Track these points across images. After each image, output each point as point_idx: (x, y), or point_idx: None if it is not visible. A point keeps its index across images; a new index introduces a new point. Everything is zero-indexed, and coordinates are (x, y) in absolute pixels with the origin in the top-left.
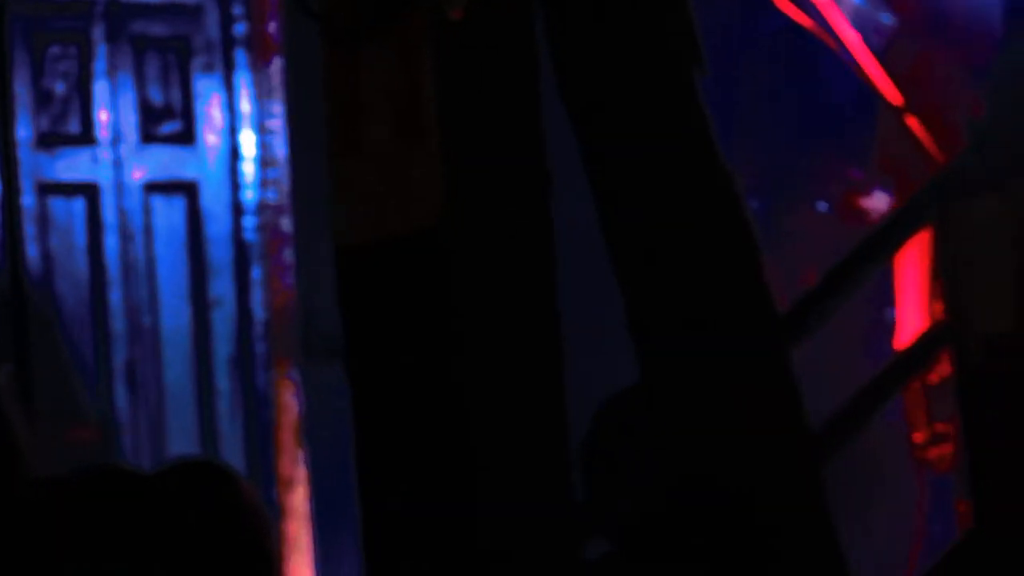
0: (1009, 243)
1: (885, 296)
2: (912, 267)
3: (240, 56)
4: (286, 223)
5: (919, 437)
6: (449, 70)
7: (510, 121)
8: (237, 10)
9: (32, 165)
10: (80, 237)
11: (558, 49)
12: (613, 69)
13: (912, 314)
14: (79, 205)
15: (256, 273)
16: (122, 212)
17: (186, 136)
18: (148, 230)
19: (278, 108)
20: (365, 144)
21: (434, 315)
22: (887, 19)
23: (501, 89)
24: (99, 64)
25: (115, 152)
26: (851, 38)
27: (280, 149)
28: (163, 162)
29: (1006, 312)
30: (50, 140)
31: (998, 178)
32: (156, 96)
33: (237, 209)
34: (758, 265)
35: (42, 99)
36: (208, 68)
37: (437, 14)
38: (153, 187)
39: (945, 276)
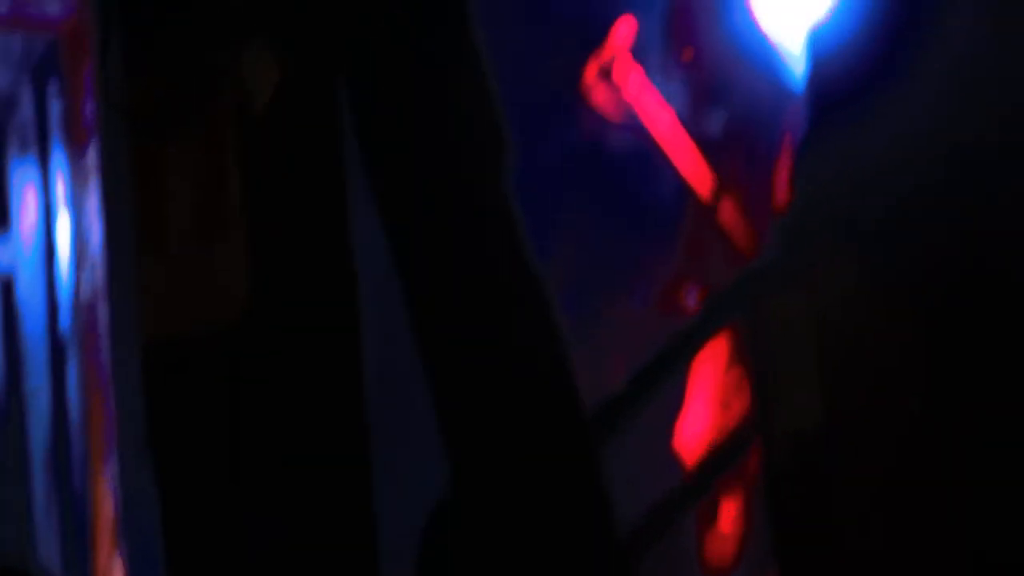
0: (815, 339)
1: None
2: (709, 365)
3: (55, 141)
4: (102, 314)
5: (705, 536)
6: (254, 163)
7: (317, 214)
8: (52, 93)
9: None
10: None
11: (364, 141)
12: (420, 160)
13: (702, 413)
14: None
15: (71, 366)
16: None
17: (0, 223)
18: None
19: (93, 193)
20: (170, 239)
21: (236, 410)
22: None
23: (307, 180)
24: None
25: None
26: (663, 128)
27: (96, 236)
28: None
29: (813, 409)
30: None
31: (804, 274)
32: None
33: (52, 302)
34: (567, 369)
35: None
36: (23, 153)
37: (241, 106)
38: None
39: (753, 373)
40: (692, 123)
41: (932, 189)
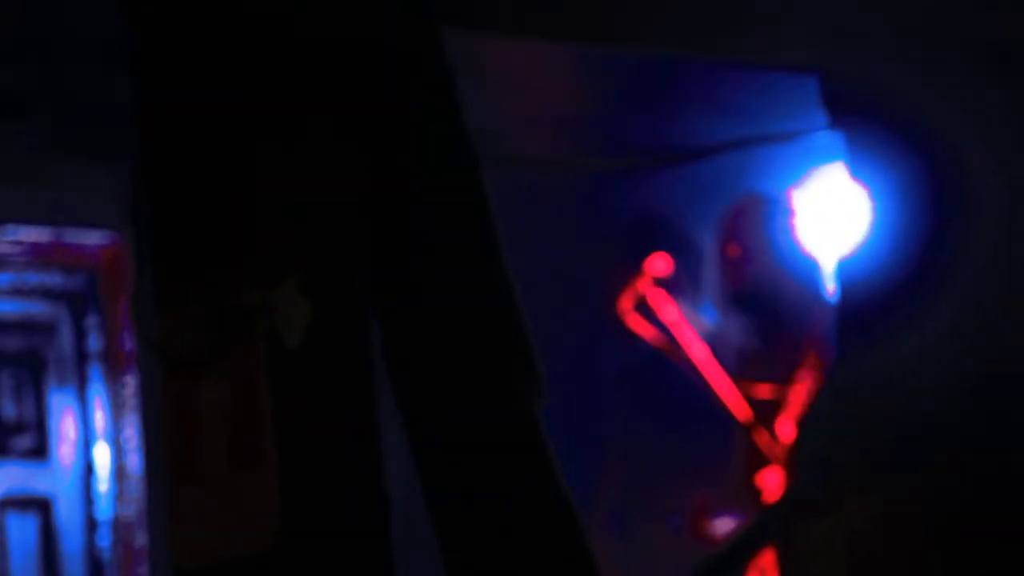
0: (843, 564)
1: None
2: None
3: (94, 370)
4: (140, 538)
5: None
6: (286, 397)
7: (348, 446)
8: (91, 324)
9: None
10: None
11: (397, 379)
12: (453, 401)
13: None
14: None
15: None
16: None
17: (40, 451)
18: (2, 546)
19: (132, 422)
20: (202, 470)
21: None
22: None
23: (338, 416)
24: None
25: None
26: (701, 356)
27: (134, 463)
28: (16, 478)
29: None
30: None
31: (833, 500)
32: (9, 411)
33: (91, 525)
34: None
35: None
36: (62, 382)
37: (274, 342)
38: (7, 503)
39: None
40: (729, 329)
41: (952, 421)
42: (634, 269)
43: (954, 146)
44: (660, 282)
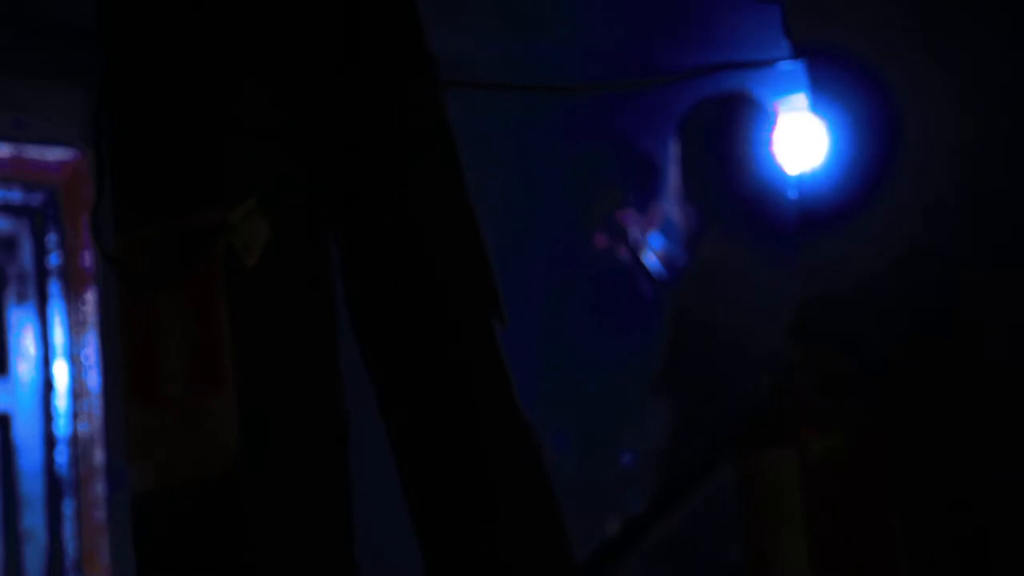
0: (797, 496)
1: None
2: None
3: (54, 287)
4: (99, 456)
5: None
6: (245, 318)
7: (307, 367)
8: (51, 241)
9: None
10: None
11: (355, 299)
12: (410, 322)
13: None
14: None
15: (68, 507)
16: None
17: None
18: None
19: (91, 339)
20: (160, 391)
21: (226, 565)
22: None
23: (298, 335)
24: None
25: None
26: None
27: (93, 381)
28: None
29: (800, 562)
30: None
31: (789, 431)
32: None
33: (50, 442)
34: (559, 522)
35: None
36: (21, 298)
37: (232, 262)
38: None
39: (743, 527)
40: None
41: (911, 344)
42: (605, 190)
43: (912, 82)
44: (629, 203)
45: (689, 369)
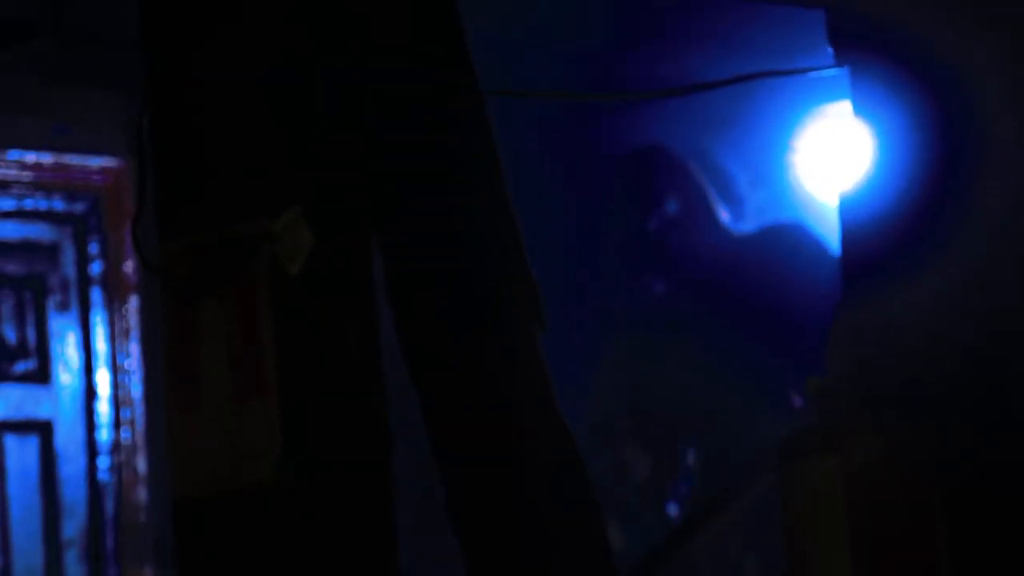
0: (844, 503)
1: None
2: None
3: (96, 295)
4: (141, 463)
5: None
6: (288, 326)
7: (350, 374)
8: (93, 249)
9: None
10: None
11: (398, 305)
12: (453, 329)
13: None
14: None
15: (109, 514)
16: None
17: (41, 375)
18: (0, 469)
19: (134, 347)
20: (203, 399)
21: (268, 574)
22: None
23: (340, 343)
24: None
25: None
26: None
27: (135, 389)
28: (16, 401)
29: (843, 570)
30: None
31: (834, 438)
32: (10, 334)
33: (92, 449)
34: (598, 519)
35: None
36: (64, 307)
37: (276, 270)
38: (6, 426)
39: (785, 536)
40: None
41: (962, 361)
42: (637, 200)
43: (965, 83)
44: (660, 213)
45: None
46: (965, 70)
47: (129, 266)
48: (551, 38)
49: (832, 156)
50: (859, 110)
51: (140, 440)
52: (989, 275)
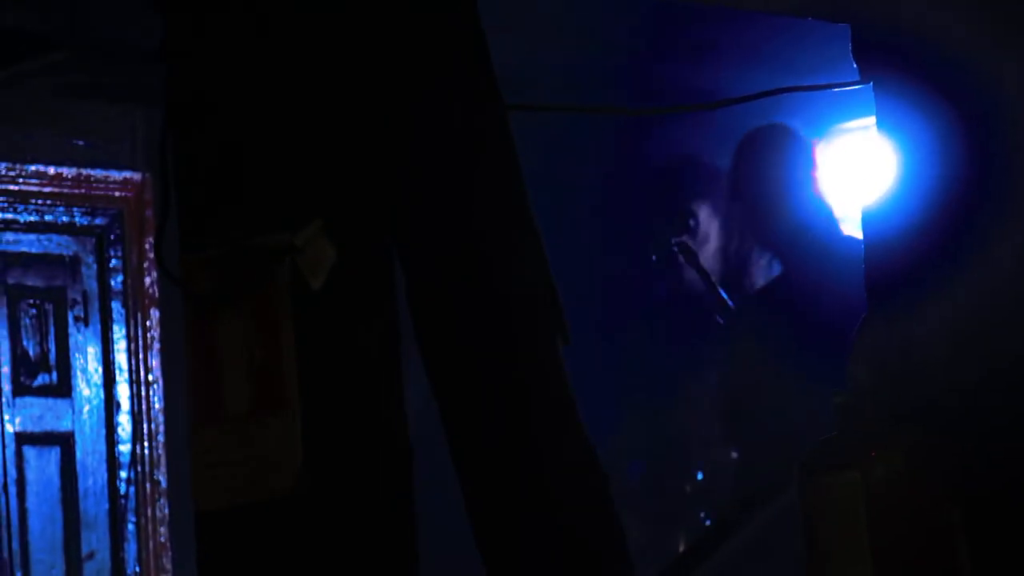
0: (865, 518)
1: None
2: None
3: (117, 308)
4: (161, 476)
5: None
6: (309, 339)
7: (371, 387)
8: (114, 263)
9: None
10: None
11: (419, 317)
12: (476, 344)
13: None
14: None
15: (130, 527)
16: None
17: (61, 388)
18: (21, 482)
19: (154, 360)
20: (224, 412)
21: None
22: None
23: (361, 356)
24: None
25: None
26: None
27: (156, 401)
28: (37, 414)
29: None
30: None
31: (856, 454)
32: (31, 347)
33: (112, 462)
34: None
35: None
36: (84, 320)
37: (298, 284)
38: (27, 439)
39: (807, 550)
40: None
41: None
42: (667, 212)
43: (990, 99)
44: (690, 225)
45: (755, 395)
46: (990, 86)
47: (150, 279)
48: (580, 52)
49: (856, 171)
50: (883, 125)
51: (161, 453)
52: (1013, 291)
